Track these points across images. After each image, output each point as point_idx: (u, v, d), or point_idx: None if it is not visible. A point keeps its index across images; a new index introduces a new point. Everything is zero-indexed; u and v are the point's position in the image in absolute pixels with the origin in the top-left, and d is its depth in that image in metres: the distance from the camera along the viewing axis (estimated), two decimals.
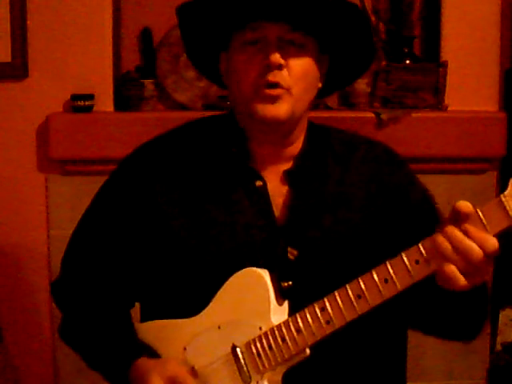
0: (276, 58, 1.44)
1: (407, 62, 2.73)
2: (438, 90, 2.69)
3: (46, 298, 2.71)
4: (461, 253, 1.26)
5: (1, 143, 2.71)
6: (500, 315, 2.83)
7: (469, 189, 2.71)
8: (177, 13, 1.55)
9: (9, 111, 2.70)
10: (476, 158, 2.72)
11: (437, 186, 2.63)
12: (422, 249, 1.30)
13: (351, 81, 1.70)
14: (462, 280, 1.28)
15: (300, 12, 1.45)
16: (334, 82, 1.62)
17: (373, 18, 2.77)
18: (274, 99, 1.46)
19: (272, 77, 1.45)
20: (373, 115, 2.66)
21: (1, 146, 2.71)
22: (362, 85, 2.72)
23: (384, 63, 2.71)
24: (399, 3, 2.77)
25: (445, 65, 2.68)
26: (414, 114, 2.67)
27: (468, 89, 2.72)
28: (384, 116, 2.65)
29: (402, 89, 2.70)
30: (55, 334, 2.68)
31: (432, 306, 1.46)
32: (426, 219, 1.54)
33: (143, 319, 1.63)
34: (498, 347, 2.85)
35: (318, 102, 2.64)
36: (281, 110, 1.47)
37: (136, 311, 1.69)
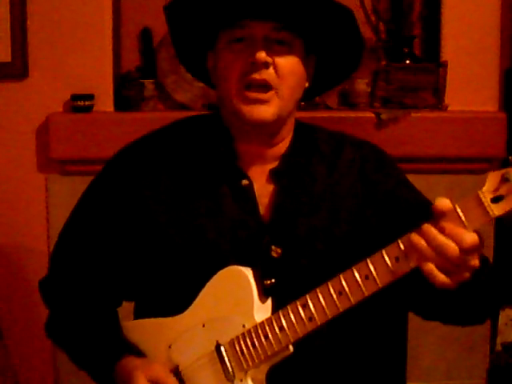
0: (262, 55, 1.43)
1: (407, 62, 2.73)
2: (438, 90, 2.69)
3: None
4: (436, 250, 1.26)
5: (1, 143, 2.72)
6: (500, 315, 2.83)
7: (469, 189, 2.69)
8: (165, 11, 1.55)
9: (9, 111, 2.70)
10: (476, 158, 2.72)
11: (437, 186, 2.63)
12: (401, 245, 1.30)
13: (341, 81, 1.67)
14: (441, 277, 1.27)
15: (287, 11, 1.44)
16: (322, 83, 1.61)
17: (373, 18, 2.78)
18: (259, 102, 1.45)
19: (258, 75, 1.44)
20: (373, 115, 2.66)
21: (1, 146, 2.72)
22: (361, 85, 2.72)
23: (384, 63, 2.71)
24: (399, 3, 2.77)
25: (445, 65, 2.68)
26: (413, 114, 2.67)
27: (468, 89, 2.72)
28: (384, 116, 2.65)
29: (402, 89, 2.70)
30: None
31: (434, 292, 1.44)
32: (413, 218, 1.52)
33: (136, 317, 1.64)
34: (498, 347, 2.85)
35: (317, 102, 2.65)
36: (267, 112, 1.46)
37: (130, 309, 1.69)
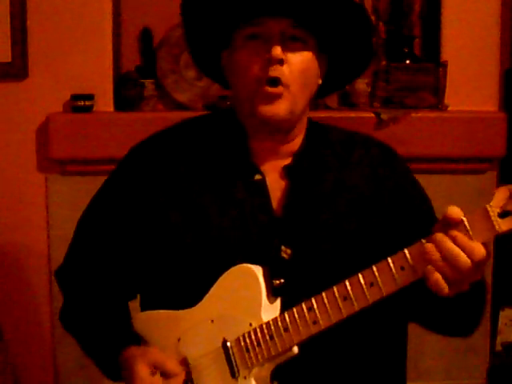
0: (277, 51, 1.45)
1: (407, 62, 2.74)
2: (438, 90, 2.69)
3: (45, 297, 2.71)
4: (449, 260, 1.26)
5: (1, 143, 2.72)
6: (500, 315, 2.83)
7: (469, 189, 2.71)
8: (180, 8, 1.56)
9: (9, 111, 2.70)
10: (476, 158, 2.72)
11: (437, 185, 2.63)
12: (407, 255, 1.29)
13: (349, 81, 1.70)
14: (446, 288, 1.27)
15: (303, 8, 1.47)
16: (333, 82, 1.62)
17: (373, 18, 2.78)
18: (273, 98, 1.47)
19: (273, 72, 1.46)
20: (373, 115, 2.66)
21: (1, 146, 2.72)
22: (362, 85, 2.72)
23: (384, 63, 2.71)
24: (399, 3, 2.78)
25: (445, 65, 2.68)
26: (413, 114, 2.68)
27: (468, 89, 2.72)
28: (384, 116, 2.65)
29: (402, 89, 2.70)
30: (55, 334, 2.69)
31: (429, 303, 1.45)
32: (422, 220, 1.54)
33: (143, 309, 1.65)
34: (498, 347, 2.85)
35: (318, 102, 2.65)
36: (280, 108, 1.48)
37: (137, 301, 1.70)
